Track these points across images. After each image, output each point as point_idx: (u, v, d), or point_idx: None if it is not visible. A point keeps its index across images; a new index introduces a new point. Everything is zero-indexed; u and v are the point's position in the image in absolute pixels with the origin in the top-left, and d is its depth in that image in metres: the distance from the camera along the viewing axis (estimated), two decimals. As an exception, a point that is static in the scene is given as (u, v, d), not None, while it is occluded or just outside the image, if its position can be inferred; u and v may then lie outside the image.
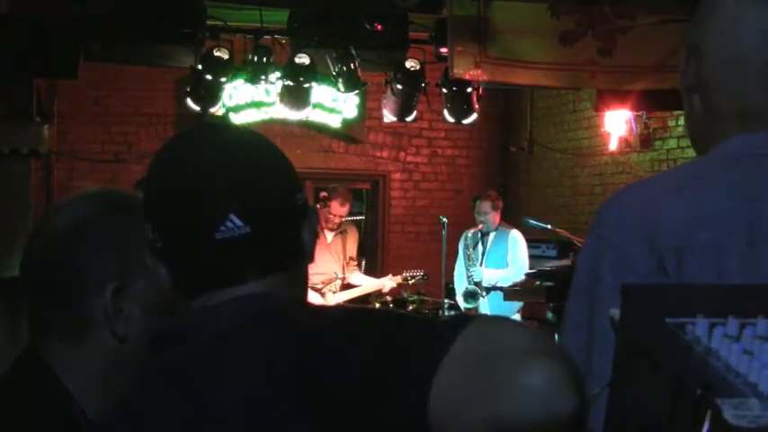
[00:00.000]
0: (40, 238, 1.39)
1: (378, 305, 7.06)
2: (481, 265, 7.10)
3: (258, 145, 1.19)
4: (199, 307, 1.14)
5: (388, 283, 7.18)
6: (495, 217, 7.16)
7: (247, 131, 1.26)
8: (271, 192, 1.14)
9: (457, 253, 7.37)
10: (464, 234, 7.39)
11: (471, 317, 1.03)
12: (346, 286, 7.16)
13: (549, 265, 6.90)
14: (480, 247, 7.21)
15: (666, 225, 1.21)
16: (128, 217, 1.34)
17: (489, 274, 7.10)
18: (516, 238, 7.21)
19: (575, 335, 1.23)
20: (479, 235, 7.22)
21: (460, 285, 7.26)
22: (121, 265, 1.34)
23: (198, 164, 1.13)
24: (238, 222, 1.10)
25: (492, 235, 7.17)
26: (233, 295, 1.12)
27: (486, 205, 7.14)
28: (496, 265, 7.12)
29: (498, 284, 7.06)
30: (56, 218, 1.39)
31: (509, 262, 7.16)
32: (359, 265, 7.39)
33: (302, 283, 1.23)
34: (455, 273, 7.36)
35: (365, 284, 7.24)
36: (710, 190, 1.24)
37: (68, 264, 1.35)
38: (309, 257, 1.20)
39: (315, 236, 1.21)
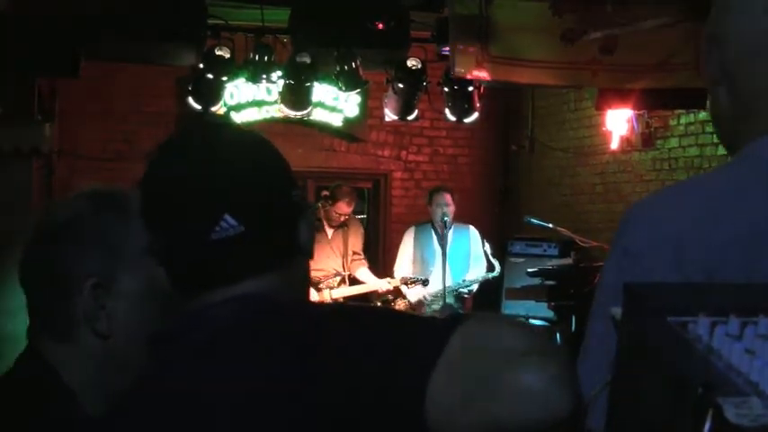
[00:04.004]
0: (34, 237, 1.40)
1: (379, 304, 7.03)
2: (444, 263, 6.76)
3: (252, 144, 1.20)
4: (196, 306, 1.15)
5: (385, 285, 7.07)
6: (453, 210, 6.92)
7: (241, 130, 1.27)
8: (265, 190, 1.15)
9: (417, 248, 7.09)
10: (413, 228, 7.19)
11: (467, 315, 1.02)
12: (351, 281, 7.13)
13: (550, 264, 6.91)
14: (436, 242, 6.95)
15: (696, 246, 1.16)
16: (120, 216, 1.35)
17: (471, 277, 7.00)
18: (477, 234, 7.09)
19: (599, 356, 1.15)
20: (433, 230, 6.98)
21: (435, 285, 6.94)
22: (107, 263, 1.35)
23: (192, 165, 1.14)
24: (233, 222, 1.11)
25: (451, 231, 6.89)
26: (230, 294, 1.13)
27: (448, 197, 6.91)
28: (459, 262, 6.94)
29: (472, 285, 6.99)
30: (48, 217, 1.40)
31: (472, 259, 7.02)
32: (365, 260, 7.33)
33: (302, 280, 1.24)
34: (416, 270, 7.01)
35: (365, 284, 7.16)
36: (741, 207, 1.18)
37: (57, 262, 1.36)
38: (309, 254, 1.21)
39: (313, 232, 1.22)
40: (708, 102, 1.31)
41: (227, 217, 1.10)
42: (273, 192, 1.16)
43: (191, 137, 1.20)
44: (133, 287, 1.35)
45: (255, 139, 1.21)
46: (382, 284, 7.09)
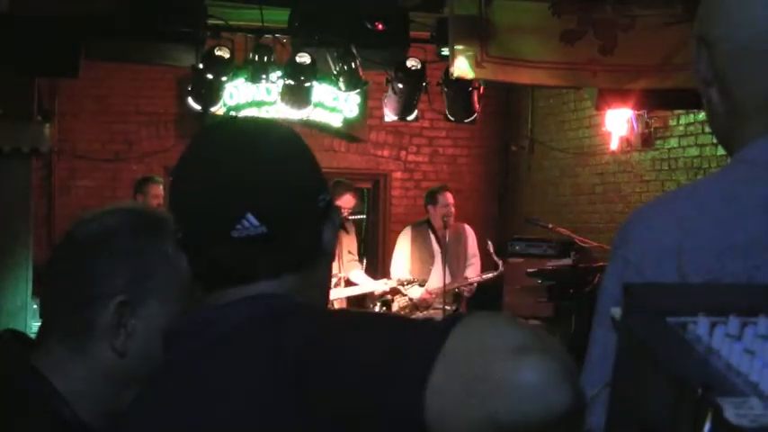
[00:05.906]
0: (66, 242, 1.41)
1: (378, 304, 7.02)
2: (445, 262, 6.75)
3: (286, 144, 1.19)
4: (211, 303, 1.16)
5: (381, 287, 7.01)
6: (454, 211, 6.95)
7: (278, 129, 1.24)
8: (291, 193, 1.15)
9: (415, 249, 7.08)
10: (409, 228, 7.19)
11: (465, 314, 1.03)
12: (346, 283, 7.05)
13: (550, 265, 6.91)
14: (435, 242, 6.97)
15: (696, 254, 1.16)
16: (156, 237, 1.35)
17: (471, 275, 7.01)
18: (473, 233, 7.12)
19: (602, 364, 1.14)
20: (430, 229, 7.01)
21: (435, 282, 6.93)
22: (136, 282, 1.35)
23: (220, 161, 1.14)
24: (255, 222, 1.11)
25: (448, 230, 6.88)
26: (244, 294, 1.14)
27: (451, 197, 6.93)
28: (457, 262, 6.95)
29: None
30: (85, 225, 1.40)
31: (469, 256, 7.04)
32: (360, 261, 7.24)
33: (323, 281, 1.24)
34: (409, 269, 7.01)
35: (360, 285, 7.08)
36: (741, 213, 1.17)
37: (84, 271, 1.36)
38: (331, 257, 1.21)
39: (336, 235, 1.22)
40: (703, 103, 1.31)
41: (250, 216, 1.10)
42: (300, 195, 1.16)
43: (225, 130, 1.20)
44: (159, 314, 1.35)
45: (290, 140, 1.20)
46: (378, 286, 7.03)
